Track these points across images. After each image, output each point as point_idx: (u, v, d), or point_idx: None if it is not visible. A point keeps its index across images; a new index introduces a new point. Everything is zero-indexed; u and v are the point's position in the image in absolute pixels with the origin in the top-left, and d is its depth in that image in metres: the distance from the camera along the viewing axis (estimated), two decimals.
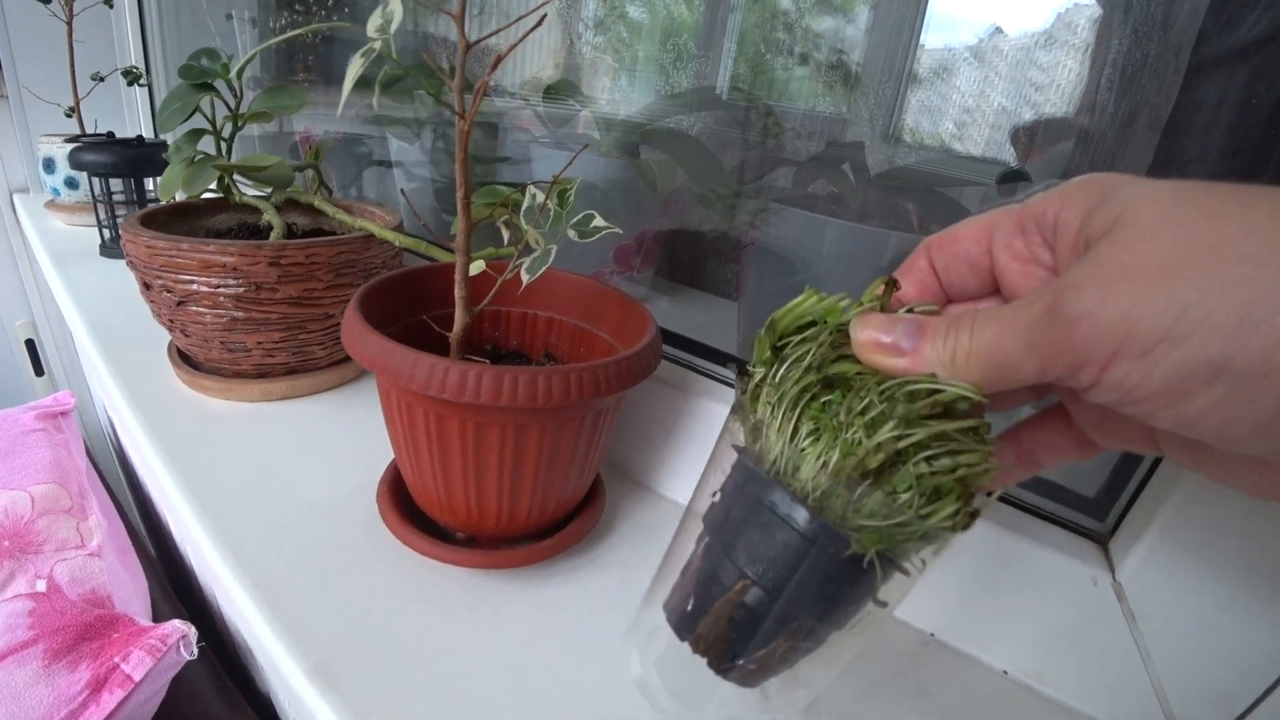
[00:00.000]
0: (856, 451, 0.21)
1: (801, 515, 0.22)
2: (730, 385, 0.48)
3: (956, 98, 0.49)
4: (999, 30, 0.46)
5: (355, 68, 0.27)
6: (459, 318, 0.35)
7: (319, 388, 0.56)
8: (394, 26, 0.28)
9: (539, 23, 0.25)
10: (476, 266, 0.34)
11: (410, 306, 0.40)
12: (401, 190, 0.79)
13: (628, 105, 0.73)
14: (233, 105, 0.62)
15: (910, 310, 0.24)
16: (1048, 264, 0.22)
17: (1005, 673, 0.39)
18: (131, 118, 1.17)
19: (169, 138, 0.91)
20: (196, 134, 0.62)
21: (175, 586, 0.69)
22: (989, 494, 0.24)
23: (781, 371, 0.24)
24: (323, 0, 1.03)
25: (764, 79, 0.62)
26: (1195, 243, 0.16)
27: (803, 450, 0.22)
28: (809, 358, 0.23)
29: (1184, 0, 0.36)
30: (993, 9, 0.46)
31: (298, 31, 0.43)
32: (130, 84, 0.89)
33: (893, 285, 0.24)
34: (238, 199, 0.61)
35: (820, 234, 0.51)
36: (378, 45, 0.27)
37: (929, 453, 0.21)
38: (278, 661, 0.34)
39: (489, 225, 0.41)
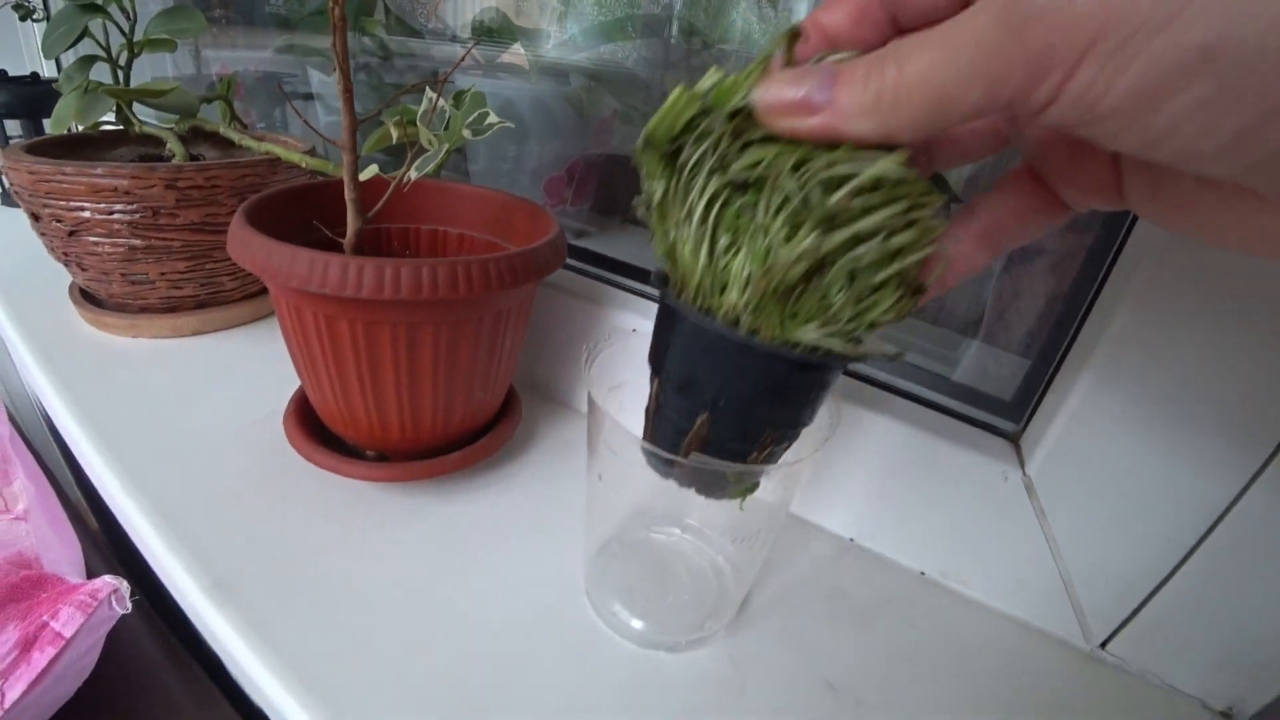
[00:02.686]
0: (777, 265, 0.19)
1: (739, 341, 0.21)
2: (649, 299, 0.48)
3: None
4: None
5: None
6: (351, 223, 0.33)
7: (232, 322, 0.54)
8: None
9: None
10: (370, 170, 0.33)
11: (305, 222, 0.38)
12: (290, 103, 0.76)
13: (562, 39, 0.71)
14: (126, 28, 0.58)
15: (822, 59, 0.19)
16: None
17: (922, 573, 0.40)
18: (30, 56, 1.09)
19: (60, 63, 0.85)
20: (88, 61, 0.58)
21: (117, 554, 0.67)
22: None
23: (681, 182, 0.20)
24: None
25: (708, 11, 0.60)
26: None
27: (725, 268, 0.20)
28: (709, 160, 0.20)
29: None
30: None
31: None
32: (23, 19, 0.83)
33: (794, 38, 0.20)
34: (138, 129, 0.57)
35: None
36: None
37: (858, 252, 0.19)
38: (176, 581, 0.33)
39: (400, 148, 0.39)
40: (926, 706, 0.31)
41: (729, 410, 0.22)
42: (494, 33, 0.73)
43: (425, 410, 0.34)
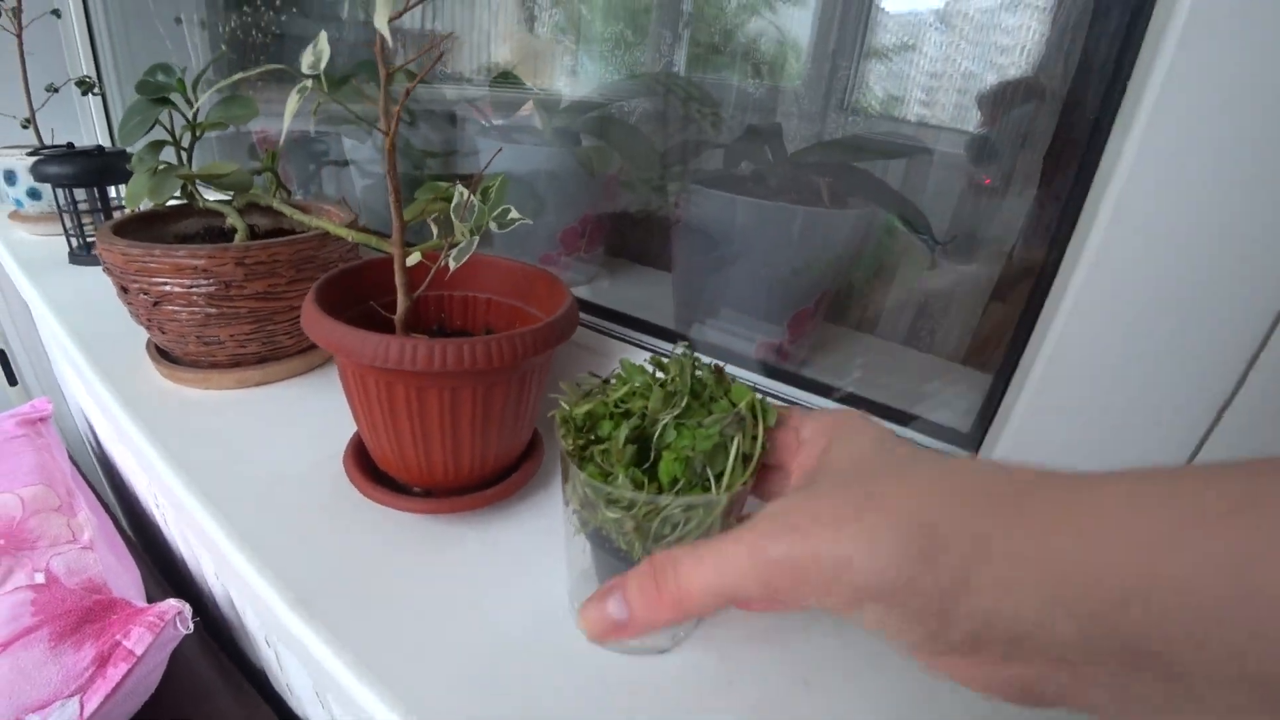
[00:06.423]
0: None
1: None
2: (650, 350, 0.55)
3: (915, 72, 0.51)
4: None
5: (293, 104, 0.32)
6: (401, 302, 0.41)
7: (290, 373, 0.62)
8: (323, 64, 0.33)
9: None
10: (414, 258, 0.40)
11: (360, 295, 0.46)
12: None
13: (574, 89, 0.78)
14: (189, 115, 0.66)
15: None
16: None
17: None
18: (86, 125, 1.19)
19: (131, 149, 0.94)
20: (158, 145, 0.67)
21: (167, 578, 0.75)
22: None
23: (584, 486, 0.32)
24: (270, 1, 1.06)
25: (704, 63, 0.66)
26: (851, 503, 0.22)
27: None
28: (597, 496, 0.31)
29: None
30: None
31: (241, 76, 0.48)
32: (84, 93, 0.92)
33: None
34: (201, 204, 0.66)
35: (732, 211, 0.57)
36: (310, 84, 0.32)
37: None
38: (266, 599, 0.40)
39: (439, 216, 0.47)
40: (895, 700, 0.36)
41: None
42: (508, 78, 0.81)
43: (465, 454, 0.41)
